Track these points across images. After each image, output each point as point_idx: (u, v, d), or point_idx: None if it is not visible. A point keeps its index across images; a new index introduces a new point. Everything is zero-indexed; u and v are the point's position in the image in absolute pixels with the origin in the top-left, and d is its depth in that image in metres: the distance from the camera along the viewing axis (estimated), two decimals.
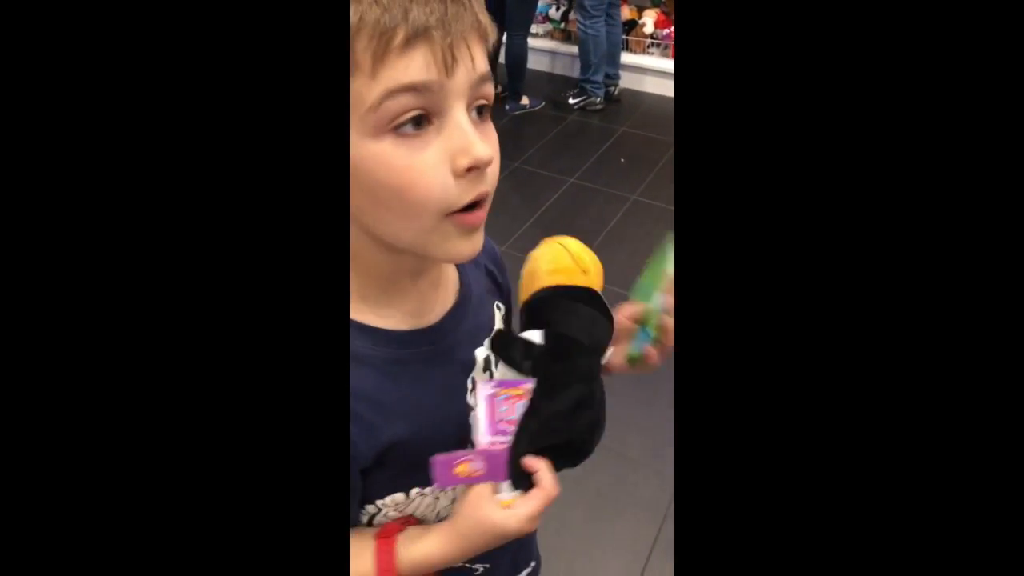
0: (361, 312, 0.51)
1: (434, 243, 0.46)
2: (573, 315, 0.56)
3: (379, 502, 0.56)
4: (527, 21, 3.40)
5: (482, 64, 0.44)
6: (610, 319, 0.58)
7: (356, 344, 0.49)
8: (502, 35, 3.35)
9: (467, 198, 0.44)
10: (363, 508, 0.56)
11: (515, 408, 0.53)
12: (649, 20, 3.71)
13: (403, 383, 0.52)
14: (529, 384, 0.53)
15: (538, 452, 0.52)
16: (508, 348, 0.54)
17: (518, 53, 3.38)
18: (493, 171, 0.46)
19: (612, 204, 2.77)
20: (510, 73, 3.46)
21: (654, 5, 3.78)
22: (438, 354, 0.54)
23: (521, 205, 2.73)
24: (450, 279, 0.58)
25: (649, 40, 3.70)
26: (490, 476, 0.53)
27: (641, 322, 0.61)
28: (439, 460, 0.51)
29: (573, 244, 0.62)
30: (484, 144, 0.43)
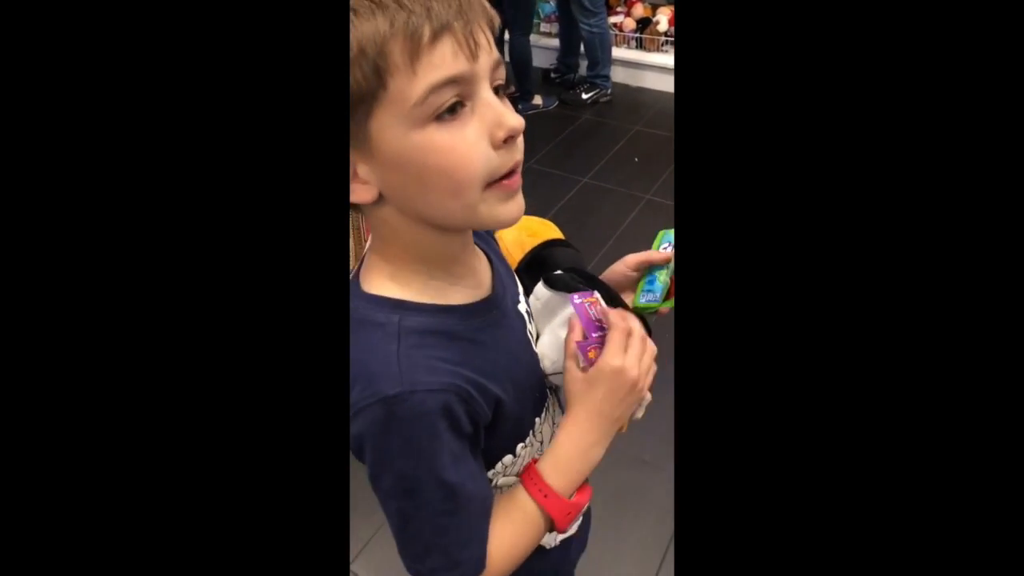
0: (433, 295, 0.55)
1: (483, 212, 0.50)
2: (567, 256, 0.75)
3: (490, 473, 0.61)
4: (526, 19, 3.39)
5: (495, 49, 0.49)
6: (578, 252, 0.78)
7: (447, 322, 0.55)
8: (504, 35, 3.36)
9: (508, 165, 0.49)
10: None
11: (599, 309, 0.64)
12: (663, 18, 3.68)
13: (489, 347, 0.58)
14: (594, 293, 0.65)
15: None
16: (566, 282, 0.67)
17: (521, 52, 3.38)
18: (521, 141, 0.51)
19: (625, 204, 2.75)
20: (517, 73, 3.45)
21: (668, 3, 3.75)
22: (503, 315, 0.61)
23: (533, 205, 2.68)
24: (481, 255, 0.65)
25: (663, 38, 3.67)
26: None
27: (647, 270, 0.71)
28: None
29: (535, 218, 0.80)
30: (516, 115, 0.49)
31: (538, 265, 0.72)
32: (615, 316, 0.60)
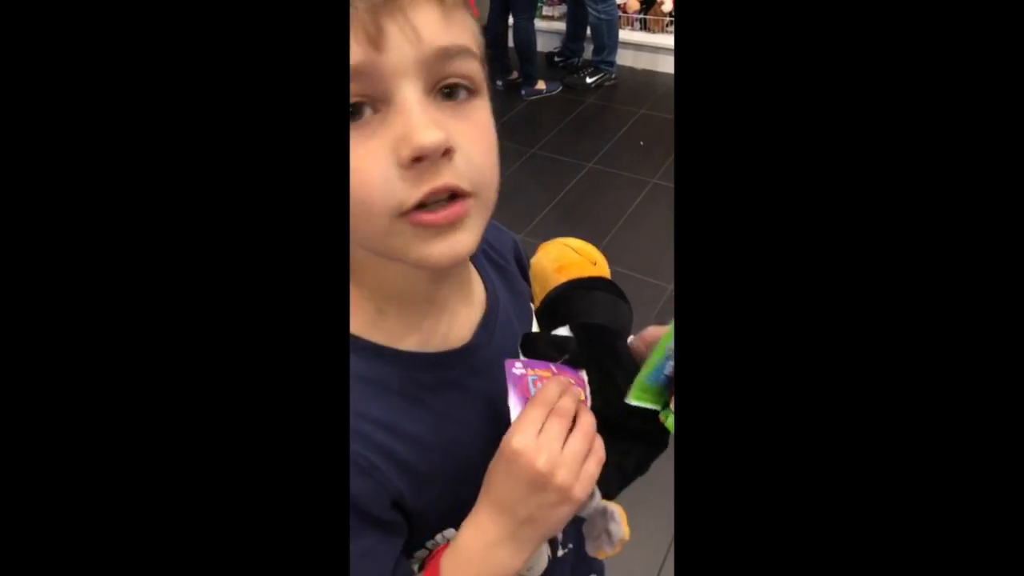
0: (381, 333, 0.46)
1: (397, 247, 0.39)
2: (593, 303, 0.55)
3: (429, 544, 0.50)
4: (532, 3, 3.36)
5: (438, 36, 0.37)
6: (627, 301, 0.57)
7: (383, 371, 0.45)
8: (507, 18, 3.33)
9: (415, 195, 0.37)
10: (412, 556, 0.50)
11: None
12: None
13: (437, 410, 0.47)
14: (554, 367, 0.50)
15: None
16: (536, 347, 0.50)
17: (525, 37, 3.35)
18: (467, 162, 0.38)
19: (631, 188, 2.74)
20: (521, 57, 3.43)
21: None
22: (473, 374, 0.49)
23: (538, 192, 2.71)
24: (476, 288, 0.53)
25: (668, 18, 3.63)
26: None
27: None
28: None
29: (575, 241, 0.62)
30: (431, 129, 0.36)
31: (550, 313, 0.57)
32: (550, 385, 0.45)
